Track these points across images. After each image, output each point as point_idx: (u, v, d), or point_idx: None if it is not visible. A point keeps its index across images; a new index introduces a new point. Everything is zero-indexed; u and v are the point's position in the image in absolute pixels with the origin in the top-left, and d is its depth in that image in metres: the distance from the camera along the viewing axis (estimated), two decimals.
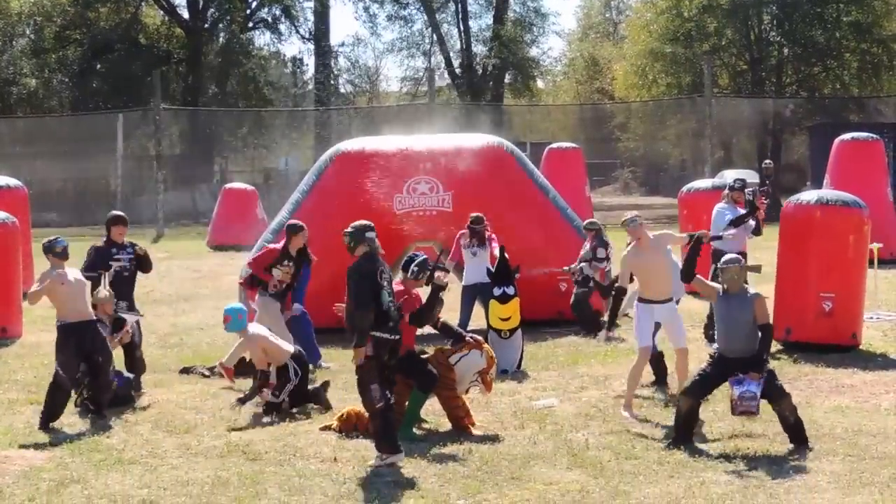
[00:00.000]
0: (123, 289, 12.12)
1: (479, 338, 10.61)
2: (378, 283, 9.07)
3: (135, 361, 12.14)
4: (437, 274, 9.92)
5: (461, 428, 10.11)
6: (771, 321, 9.62)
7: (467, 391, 10.41)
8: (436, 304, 9.89)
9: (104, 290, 11.64)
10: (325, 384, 11.45)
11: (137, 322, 12.27)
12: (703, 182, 21.91)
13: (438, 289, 9.82)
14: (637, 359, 10.94)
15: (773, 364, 11.68)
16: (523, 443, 9.74)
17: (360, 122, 44.51)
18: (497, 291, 12.93)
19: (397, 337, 9.21)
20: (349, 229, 9.42)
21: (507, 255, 13.18)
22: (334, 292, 15.03)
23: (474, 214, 14.02)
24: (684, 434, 9.55)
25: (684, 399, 9.59)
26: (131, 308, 12.24)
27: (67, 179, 45.19)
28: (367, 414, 10.13)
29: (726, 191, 14.72)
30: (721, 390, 10.66)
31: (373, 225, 9.50)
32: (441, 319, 10.39)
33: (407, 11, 56.50)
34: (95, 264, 12.10)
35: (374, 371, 9.09)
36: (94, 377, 10.81)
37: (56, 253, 10.80)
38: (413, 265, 10.14)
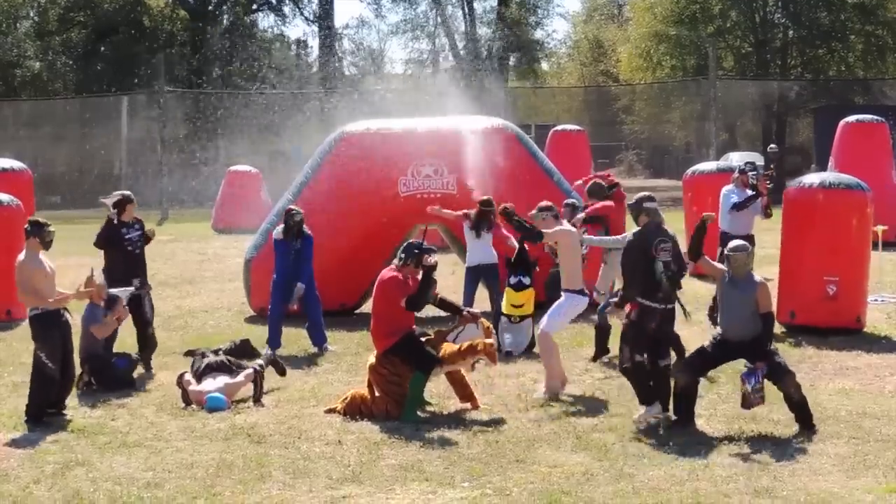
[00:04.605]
0: (136, 265, 12.32)
1: (476, 311, 10.78)
2: (650, 255, 9.46)
3: (146, 339, 12.37)
4: (423, 257, 10.14)
5: (467, 397, 10.31)
6: (773, 309, 9.56)
7: (473, 367, 10.42)
8: (429, 285, 10.09)
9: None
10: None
11: (150, 298, 12.47)
12: (707, 164, 21.94)
13: (428, 270, 10.08)
14: None
15: (776, 346, 11.69)
16: (527, 425, 9.75)
17: (365, 104, 44.45)
18: (513, 280, 12.94)
19: (669, 307, 9.55)
20: (631, 202, 9.91)
21: (526, 245, 13.13)
22: (340, 273, 15.15)
23: (485, 197, 13.92)
24: (685, 413, 9.52)
25: (681, 375, 9.54)
26: (144, 283, 12.39)
27: (71, 162, 45.23)
28: (370, 397, 10.19)
29: (735, 174, 14.67)
30: (726, 372, 10.69)
31: (651, 195, 9.97)
32: (439, 295, 10.53)
33: None
34: (111, 240, 12.27)
35: (631, 335, 9.59)
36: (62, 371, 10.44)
37: (46, 242, 10.34)
38: (399, 252, 10.27)
